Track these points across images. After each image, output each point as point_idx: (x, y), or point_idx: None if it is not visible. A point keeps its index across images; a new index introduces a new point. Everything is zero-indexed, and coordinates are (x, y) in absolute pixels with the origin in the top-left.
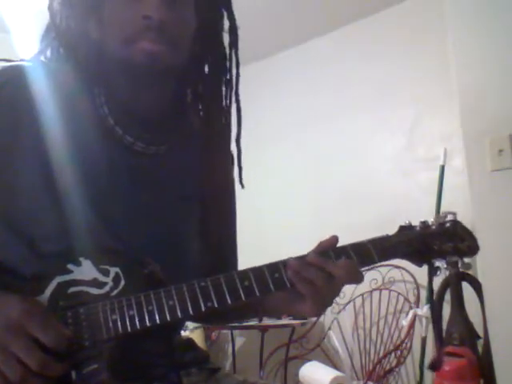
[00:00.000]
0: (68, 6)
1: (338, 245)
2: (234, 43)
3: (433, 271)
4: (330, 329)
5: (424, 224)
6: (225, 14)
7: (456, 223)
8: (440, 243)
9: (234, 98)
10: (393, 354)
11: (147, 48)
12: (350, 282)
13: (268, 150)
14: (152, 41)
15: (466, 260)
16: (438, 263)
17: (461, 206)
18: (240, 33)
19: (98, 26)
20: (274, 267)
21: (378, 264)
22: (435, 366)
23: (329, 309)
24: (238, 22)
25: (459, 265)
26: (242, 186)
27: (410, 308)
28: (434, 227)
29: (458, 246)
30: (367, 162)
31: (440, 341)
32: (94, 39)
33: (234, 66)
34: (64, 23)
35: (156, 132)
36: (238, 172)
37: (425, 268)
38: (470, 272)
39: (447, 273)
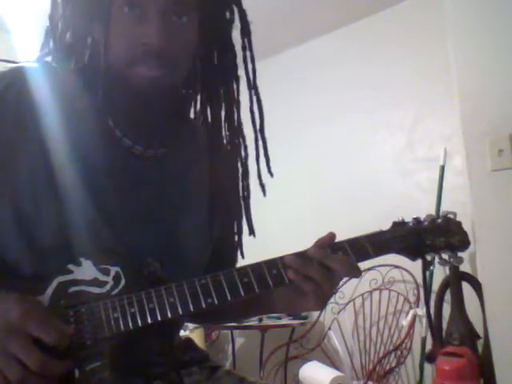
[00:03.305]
0: (71, 13)
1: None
2: (246, 41)
3: (426, 265)
4: (330, 329)
5: (417, 220)
6: (236, 10)
7: (448, 219)
8: (433, 238)
9: (253, 92)
10: (393, 354)
11: (146, 74)
12: (347, 276)
13: (268, 150)
14: (151, 66)
15: (459, 254)
16: (430, 257)
17: (461, 206)
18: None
19: (100, 36)
20: (272, 264)
21: (376, 261)
22: (431, 357)
23: (329, 309)
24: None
25: (452, 259)
26: (271, 175)
27: (410, 308)
28: (426, 223)
29: (450, 240)
30: (367, 162)
31: (433, 333)
32: (96, 47)
33: (249, 63)
34: (66, 27)
35: (154, 136)
36: (265, 161)
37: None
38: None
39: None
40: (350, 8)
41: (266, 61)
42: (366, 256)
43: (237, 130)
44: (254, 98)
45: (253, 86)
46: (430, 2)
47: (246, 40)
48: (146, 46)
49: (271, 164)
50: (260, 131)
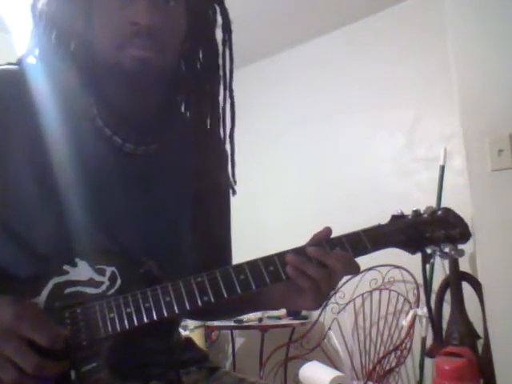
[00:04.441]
0: (55, 5)
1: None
2: (227, 39)
3: (426, 259)
4: (330, 329)
5: (416, 213)
6: (218, 10)
7: (447, 211)
8: (432, 230)
9: (227, 94)
10: (393, 354)
11: (136, 54)
12: (346, 274)
13: (268, 150)
14: (141, 47)
15: (460, 247)
16: (431, 251)
17: (461, 206)
18: (240, 33)
19: (86, 27)
20: (269, 260)
21: (376, 261)
22: (432, 353)
23: (329, 309)
24: (238, 23)
25: (452, 252)
26: (235, 183)
27: (410, 308)
28: (425, 215)
29: (450, 232)
30: (367, 162)
31: (433, 325)
32: (82, 39)
33: (227, 61)
34: (50, 22)
35: (144, 132)
36: (231, 168)
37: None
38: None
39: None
40: (350, 8)
41: (266, 61)
42: (364, 250)
43: (218, 129)
44: (228, 100)
45: (228, 87)
46: (430, 2)
47: (226, 37)
48: (135, 25)
49: (271, 164)
50: (229, 136)
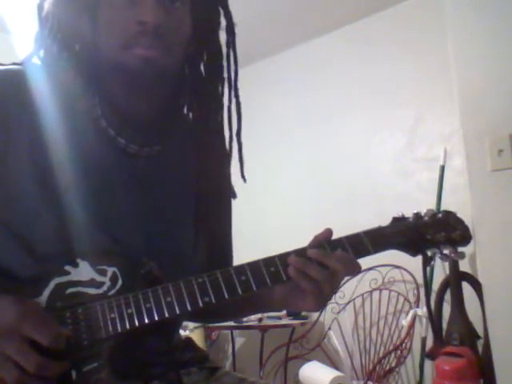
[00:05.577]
0: (61, 6)
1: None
2: (231, 41)
3: (427, 261)
4: (330, 329)
5: (417, 215)
6: (221, 12)
7: (448, 213)
8: (433, 233)
9: (233, 94)
10: (393, 354)
11: (142, 54)
12: (348, 274)
13: (268, 150)
14: (147, 46)
15: (460, 249)
16: (431, 253)
17: (461, 206)
18: (240, 33)
19: (92, 28)
20: (270, 261)
21: (376, 261)
22: (432, 355)
23: (329, 309)
24: (239, 23)
25: (453, 254)
26: (244, 180)
27: (410, 308)
28: (426, 218)
29: (451, 235)
30: (367, 162)
31: (433, 326)
32: (87, 40)
33: (232, 62)
34: (56, 23)
35: (148, 133)
36: (239, 166)
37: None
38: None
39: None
40: (350, 8)
41: (266, 61)
42: (365, 252)
43: (221, 131)
44: (234, 100)
45: (234, 87)
46: (430, 1)
47: (230, 40)
48: (142, 24)
49: (271, 164)
50: (237, 134)
